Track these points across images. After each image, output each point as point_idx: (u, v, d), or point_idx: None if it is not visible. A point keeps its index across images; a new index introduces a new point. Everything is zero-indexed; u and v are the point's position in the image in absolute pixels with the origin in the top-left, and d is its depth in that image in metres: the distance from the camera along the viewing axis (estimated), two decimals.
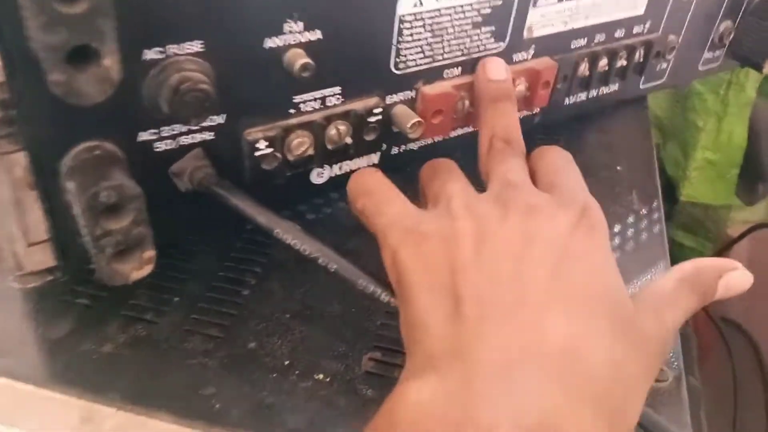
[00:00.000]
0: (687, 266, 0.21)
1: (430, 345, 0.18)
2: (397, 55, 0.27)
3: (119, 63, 0.18)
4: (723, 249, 0.64)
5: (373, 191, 0.23)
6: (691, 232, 0.63)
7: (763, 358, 0.61)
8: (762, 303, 0.66)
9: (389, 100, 0.28)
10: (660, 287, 0.21)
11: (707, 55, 0.40)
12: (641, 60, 0.35)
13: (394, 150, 0.30)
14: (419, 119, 0.28)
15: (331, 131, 0.26)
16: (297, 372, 0.24)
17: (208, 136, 0.24)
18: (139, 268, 0.22)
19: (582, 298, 0.18)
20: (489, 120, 0.26)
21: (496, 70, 0.28)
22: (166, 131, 0.23)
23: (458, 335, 0.18)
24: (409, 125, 0.27)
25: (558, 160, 0.24)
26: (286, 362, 0.24)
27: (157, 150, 0.23)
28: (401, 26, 0.26)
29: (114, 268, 0.22)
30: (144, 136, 0.23)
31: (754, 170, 0.56)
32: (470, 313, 0.18)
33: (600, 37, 0.33)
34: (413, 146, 0.31)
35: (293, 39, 0.24)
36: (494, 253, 0.19)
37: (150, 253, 0.22)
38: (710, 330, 0.63)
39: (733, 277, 0.21)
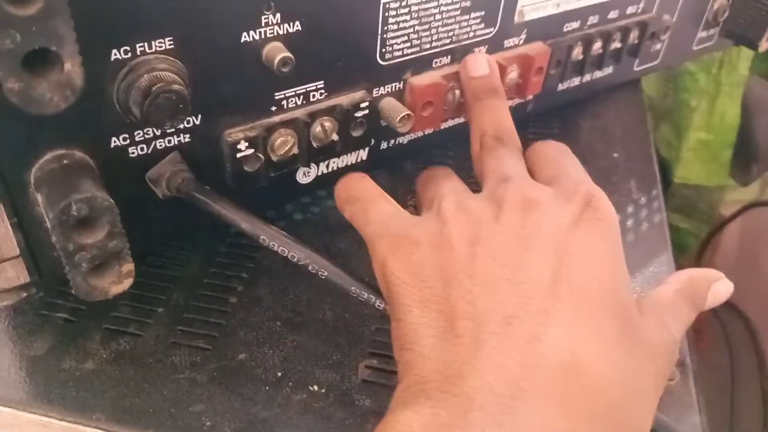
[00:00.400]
0: (682, 277, 0.21)
1: (422, 368, 0.17)
2: (383, 44, 0.26)
3: (81, 67, 0.17)
4: (715, 230, 0.64)
5: (360, 197, 0.22)
6: (686, 215, 0.62)
7: (757, 336, 0.61)
8: (755, 281, 0.66)
9: (376, 92, 0.27)
10: (660, 298, 0.20)
11: (701, 34, 0.39)
12: (636, 41, 0.34)
13: (383, 145, 0.29)
14: (408, 112, 0.26)
15: (316, 128, 0.25)
16: (290, 383, 0.23)
17: (185, 138, 0.23)
18: (118, 282, 0.21)
19: (588, 303, 0.17)
20: (477, 118, 0.25)
21: (477, 65, 0.27)
22: (139, 135, 0.22)
23: (452, 357, 0.16)
24: (398, 119, 0.26)
25: (555, 152, 0.23)
26: (279, 373, 0.23)
27: (132, 156, 0.22)
28: (386, 14, 0.25)
29: (92, 284, 0.20)
30: (117, 141, 0.21)
31: (748, 150, 0.55)
32: (465, 331, 0.17)
33: (593, 19, 0.32)
34: (403, 140, 0.30)
35: (271, 32, 0.22)
36: (489, 257, 0.18)
37: (129, 266, 0.21)
38: (704, 310, 0.63)
39: (719, 287, 0.22)
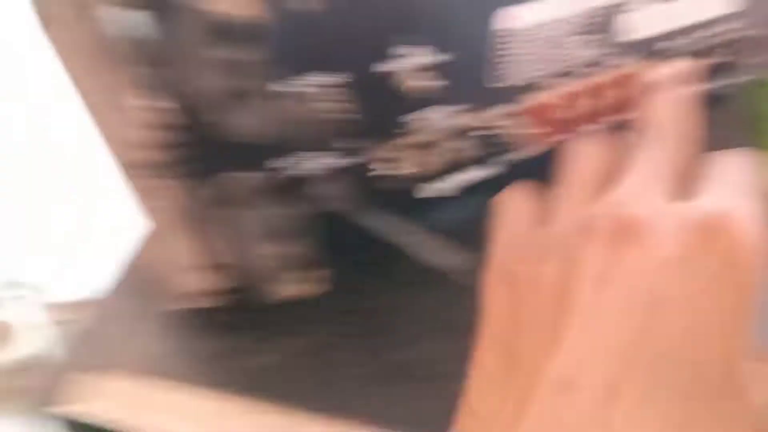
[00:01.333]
0: None
1: (469, 420, 0.17)
2: (504, 68, 0.29)
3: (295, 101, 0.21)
4: None
5: (504, 211, 0.21)
6: None
7: None
8: None
9: (497, 113, 0.30)
10: None
11: None
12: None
13: (501, 162, 0.32)
14: (527, 131, 0.29)
15: (447, 147, 0.28)
16: None
17: (344, 160, 0.26)
18: (310, 287, 0.24)
19: (683, 379, 0.13)
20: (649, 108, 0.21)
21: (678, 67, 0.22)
22: (309, 157, 0.26)
23: (500, 416, 0.16)
24: (516, 138, 0.29)
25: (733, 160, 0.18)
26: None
27: (302, 175, 0.26)
28: (510, 40, 0.28)
29: (288, 288, 0.24)
30: (289, 162, 0.25)
31: None
32: (515, 390, 0.15)
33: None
34: (519, 157, 0.32)
35: (419, 62, 0.26)
36: (559, 304, 0.16)
37: (322, 273, 0.24)
38: None
39: None
